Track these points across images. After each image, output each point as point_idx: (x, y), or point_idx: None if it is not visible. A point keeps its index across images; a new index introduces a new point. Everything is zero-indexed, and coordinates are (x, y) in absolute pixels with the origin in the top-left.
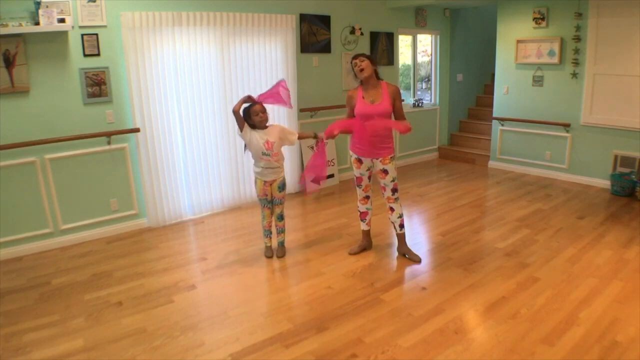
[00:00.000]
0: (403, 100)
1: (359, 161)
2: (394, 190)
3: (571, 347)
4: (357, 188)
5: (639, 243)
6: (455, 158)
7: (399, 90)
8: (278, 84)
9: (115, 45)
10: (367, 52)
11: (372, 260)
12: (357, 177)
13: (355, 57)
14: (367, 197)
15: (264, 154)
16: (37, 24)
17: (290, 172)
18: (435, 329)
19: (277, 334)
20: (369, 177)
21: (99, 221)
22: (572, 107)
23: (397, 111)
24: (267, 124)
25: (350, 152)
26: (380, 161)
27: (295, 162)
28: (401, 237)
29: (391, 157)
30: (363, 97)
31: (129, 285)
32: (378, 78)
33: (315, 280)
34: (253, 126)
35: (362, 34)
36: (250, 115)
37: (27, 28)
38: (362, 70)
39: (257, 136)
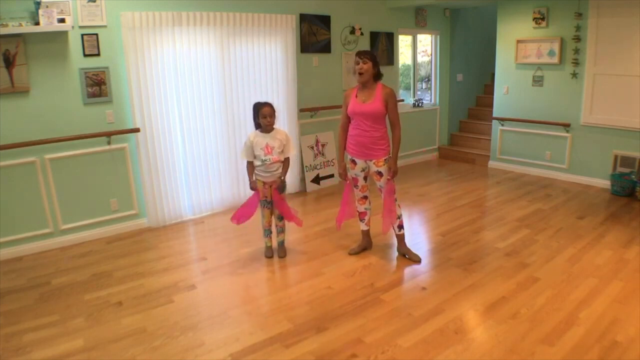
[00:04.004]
0: (402, 100)
1: (354, 162)
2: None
3: (571, 347)
4: (354, 189)
5: (639, 243)
6: (455, 158)
7: (394, 93)
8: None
9: (115, 45)
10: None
11: (372, 260)
12: (352, 178)
13: (360, 55)
14: (365, 198)
15: (262, 159)
16: (37, 24)
17: (290, 172)
18: (435, 329)
19: (277, 334)
20: (365, 178)
21: (99, 221)
22: (572, 107)
23: (390, 113)
24: (273, 128)
25: (346, 153)
26: (374, 163)
27: (296, 163)
28: (400, 238)
29: (385, 159)
30: (356, 96)
31: (129, 285)
32: (376, 80)
33: (315, 280)
34: (259, 125)
35: (362, 34)
36: (258, 115)
37: (27, 28)
38: (361, 73)
39: (259, 140)
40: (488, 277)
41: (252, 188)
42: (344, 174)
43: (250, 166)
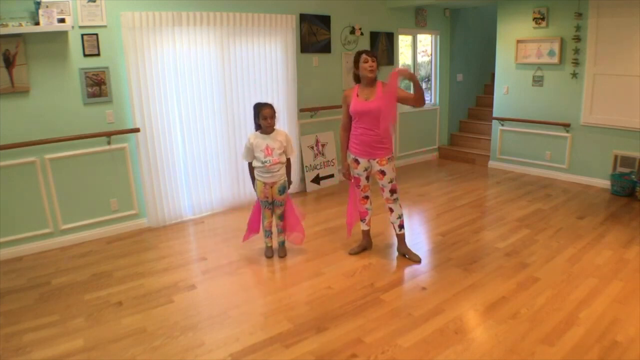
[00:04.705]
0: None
1: (356, 161)
2: (393, 191)
3: (571, 347)
4: (356, 188)
5: (639, 243)
6: (455, 158)
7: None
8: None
9: (115, 45)
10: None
11: (372, 260)
12: (355, 178)
13: (367, 53)
14: (367, 198)
15: (263, 161)
16: (37, 24)
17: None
18: (435, 329)
19: (277, 334)
20: (367, 178)
21: (99, 221)
22: (572, 107)
23: (404, 95)
24: (273, 129)
25: (348, 152)
26: (377, 162)
27: (296, 163)
28: (401, 238)
29: (388, 158)
30: (357, 95)
31: (129, 285)
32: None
33: (315, 280)
34: (259, 126)
35: (362, 34)
36: (259, 116)
37: (27, 28)
38: (372, 70)
39: (259, 141)
40: (488, 277)
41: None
42: (347, 174)
43: (251, 167)
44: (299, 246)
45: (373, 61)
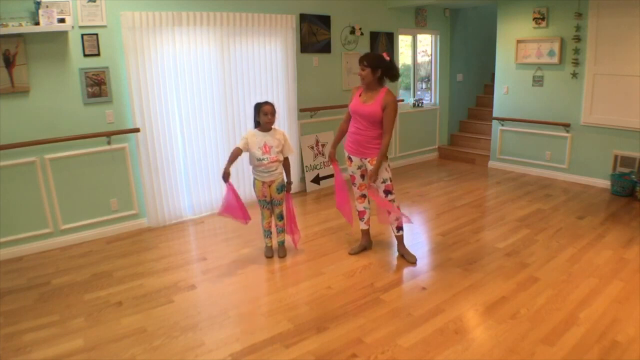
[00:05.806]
0: (402, 100)
1: (350, 159)
2: (387, 192)
3: (571, 347)
4: (353, 187)
5: (639, 243)
6: (455, 158)
7: (395, 102)
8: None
9: (115, 45)
10: (368, 52)
11: (372, 260)
12: (350, 176)
13: (360, 60)
14: (364, 196)
15: (260, 159)
16: (37, 24)
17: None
18: (435, 329)
19: (277, 334)
20: (362, 176)
21: (99, 221)
22: (572, 107)
23: (384, 120)
24: (272, 127)
25: (345, 151)
26: (369, 162)
27: (296, 162)
28: (399, 239)
29: None
30: (360, 96)
31: (129, 285)
32: (381, 84)
33: (315, 280)
34: (258, 124)
35: (362, 34)
36: (259, 113)
37: (27, 28)
38: (362, 77)
39: (258, 139)
40: (488, 277)
41: (224, 177)
42: (332, 155)
43: (236, 153)
44: (296, 247)
45: (362, 69)
